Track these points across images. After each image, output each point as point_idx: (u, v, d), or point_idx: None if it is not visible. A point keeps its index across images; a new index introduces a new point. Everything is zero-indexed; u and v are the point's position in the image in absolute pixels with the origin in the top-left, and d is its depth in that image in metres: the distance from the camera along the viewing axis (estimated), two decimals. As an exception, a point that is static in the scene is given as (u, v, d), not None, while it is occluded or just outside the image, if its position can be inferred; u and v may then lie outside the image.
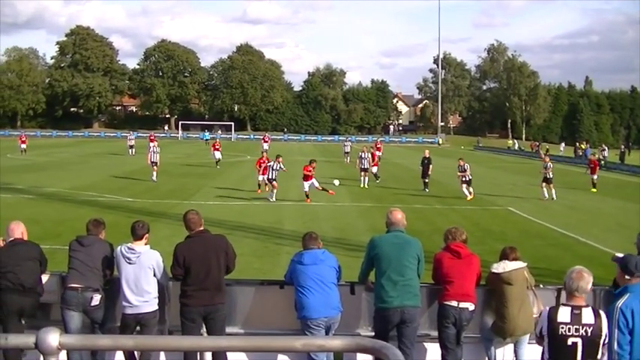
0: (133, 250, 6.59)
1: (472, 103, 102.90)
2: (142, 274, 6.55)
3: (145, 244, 6.72)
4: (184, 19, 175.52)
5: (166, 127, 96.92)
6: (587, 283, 4.76)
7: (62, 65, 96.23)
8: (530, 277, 6.96)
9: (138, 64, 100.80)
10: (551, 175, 24.62)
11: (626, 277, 5.11)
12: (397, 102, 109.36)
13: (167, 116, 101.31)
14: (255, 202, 22.26)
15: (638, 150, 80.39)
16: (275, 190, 22.09)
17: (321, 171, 23.76)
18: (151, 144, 31.28)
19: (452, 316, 6.64)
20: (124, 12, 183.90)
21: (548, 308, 4.93)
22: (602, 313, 4.76)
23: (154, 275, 6.62)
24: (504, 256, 6.99)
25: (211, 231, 6.93)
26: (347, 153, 45.21)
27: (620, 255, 5.41)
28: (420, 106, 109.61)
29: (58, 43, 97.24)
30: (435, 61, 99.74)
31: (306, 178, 21.98)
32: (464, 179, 24.05)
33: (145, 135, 65.44)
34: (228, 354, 6.56)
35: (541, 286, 7.30)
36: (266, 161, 24.10)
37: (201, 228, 6.70)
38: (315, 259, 6.62)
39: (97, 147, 58.80)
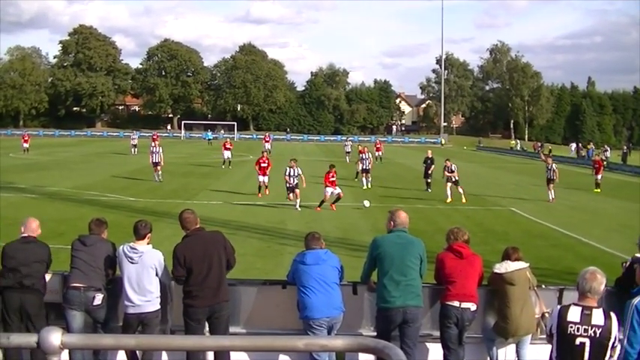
0: (135, 249, 6.59)
1: (475, 103, 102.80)
2: (145, 274, 6.54)
3: (148, 244, 6.72)
4: (187, 19, 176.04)
5: (169, 127, 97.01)
6: (599, 284, 4.74)
7: (65, 64, 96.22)
8: (532, 277, 6.96)
9: (141, 64, 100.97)
10: (553, 177, 24.54)
11: None
12: (400, 102, 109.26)
13: (170, 116, 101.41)
14: (258, 202, 22.25)
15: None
16: (299, 200, 20.67)
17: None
18: (152, 144, 31.17)
19: (454, 316, 6.63)
20: (127, 11, 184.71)
21: (559, 307, 4.92)
22: (612, 315, 4.72)
23: (157, 275, 6.61)
24: (507, 256, 6.99)
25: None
26: (348, 153, 45.37)
27: None
28: (423, 106, 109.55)
29: (60, 42, 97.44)
30: (438, 62, 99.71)
31: (331, 184, 20.77)
32: (451, 180, 23.55)
33: (147, 134, 65.47)
34: (230, 353, 6.56)
35: (543, 286, 7.31)
36: (266, 161, 23.98)
37: (197, 226, 6.69)
38: (317, 259, 6.62)
39: (100, 146, 58.87)
